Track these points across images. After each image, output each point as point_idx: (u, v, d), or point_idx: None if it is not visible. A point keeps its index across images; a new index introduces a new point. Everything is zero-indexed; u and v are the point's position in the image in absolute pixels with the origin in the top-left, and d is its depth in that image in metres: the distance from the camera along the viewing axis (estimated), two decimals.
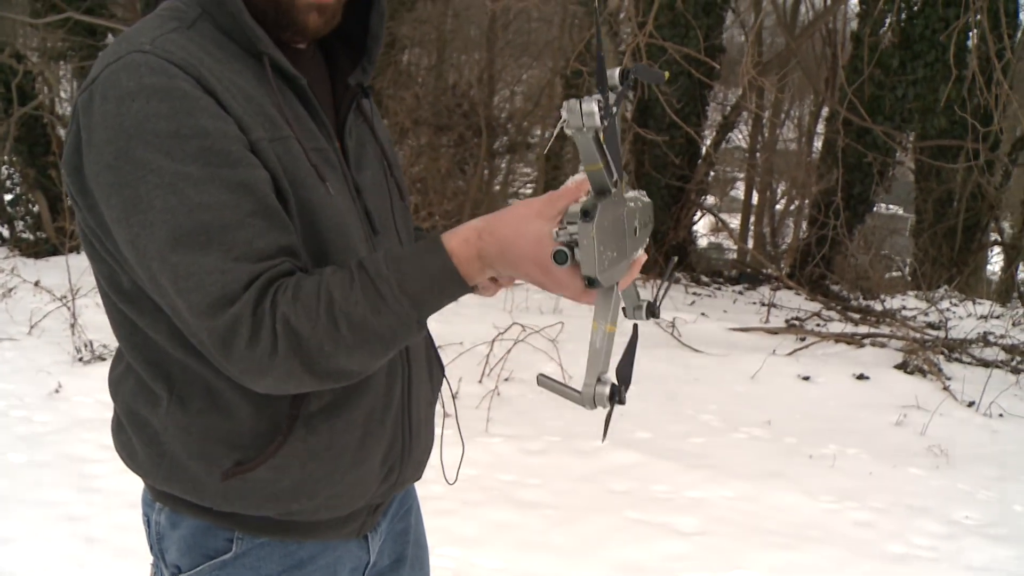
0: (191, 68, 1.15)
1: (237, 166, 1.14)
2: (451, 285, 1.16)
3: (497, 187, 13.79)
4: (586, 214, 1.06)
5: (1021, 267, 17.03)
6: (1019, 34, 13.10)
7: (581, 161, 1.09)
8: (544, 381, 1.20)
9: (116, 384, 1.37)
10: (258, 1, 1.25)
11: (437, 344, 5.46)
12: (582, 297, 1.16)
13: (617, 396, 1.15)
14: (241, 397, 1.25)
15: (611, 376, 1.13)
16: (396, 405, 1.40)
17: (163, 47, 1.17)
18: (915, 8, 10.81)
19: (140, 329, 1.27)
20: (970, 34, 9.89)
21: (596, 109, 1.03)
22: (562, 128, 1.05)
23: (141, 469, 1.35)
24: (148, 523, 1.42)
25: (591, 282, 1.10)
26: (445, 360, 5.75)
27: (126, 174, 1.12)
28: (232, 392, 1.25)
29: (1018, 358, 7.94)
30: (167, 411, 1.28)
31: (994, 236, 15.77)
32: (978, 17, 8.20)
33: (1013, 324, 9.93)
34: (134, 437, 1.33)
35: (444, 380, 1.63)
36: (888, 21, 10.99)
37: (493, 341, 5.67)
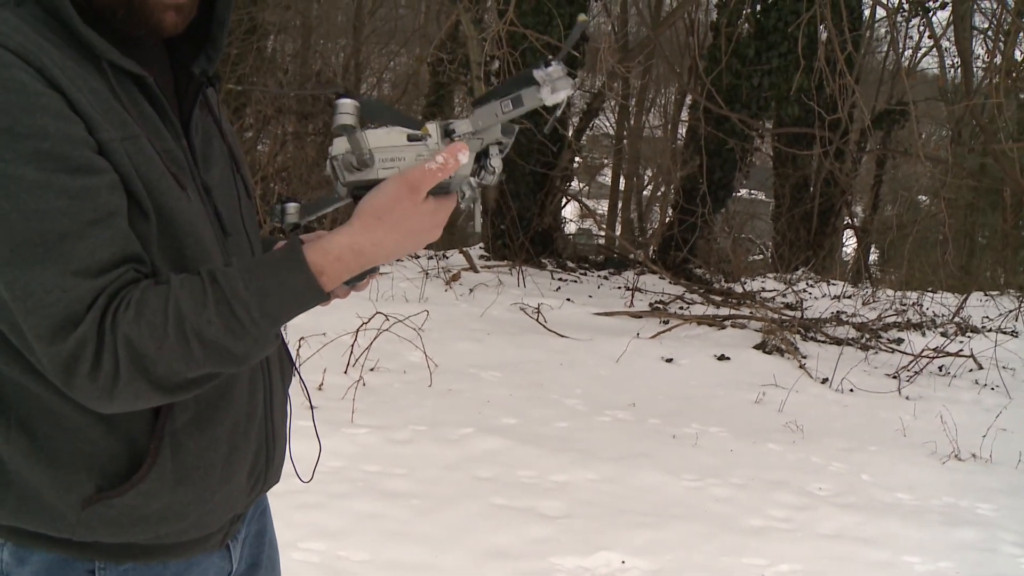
0: (32, 57, 1.04)
1: (77, 173, 1.04)
2: (313, 301, 1.14)
3: None
4: (513, 129, 1.19)
5: (873, 249, 17.93)
6: (865, 29, 13.73)
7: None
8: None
9: None
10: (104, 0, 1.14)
11: (299, 336, 5.28)
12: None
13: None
14: (90, 417, 1.15)
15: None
16: (259, 415, 1.35)
17: None
18: (769, 0, 11.18)
19: None
20: (821, 27, 10.30)
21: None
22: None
23: None
24: None
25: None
26: (309, 352, 5.58)
27: None
28: (79, 414, 1.15)
29: (867, 335, 8.32)
30: (8, 439, 1.16)
31: (847, 220, 16.52)
32: (824, 11, 8.53)
33: (863, 303, 10.42)
34: None
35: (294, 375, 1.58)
36: (744, 12, 11.33)
37: (357, 331, 5.58)
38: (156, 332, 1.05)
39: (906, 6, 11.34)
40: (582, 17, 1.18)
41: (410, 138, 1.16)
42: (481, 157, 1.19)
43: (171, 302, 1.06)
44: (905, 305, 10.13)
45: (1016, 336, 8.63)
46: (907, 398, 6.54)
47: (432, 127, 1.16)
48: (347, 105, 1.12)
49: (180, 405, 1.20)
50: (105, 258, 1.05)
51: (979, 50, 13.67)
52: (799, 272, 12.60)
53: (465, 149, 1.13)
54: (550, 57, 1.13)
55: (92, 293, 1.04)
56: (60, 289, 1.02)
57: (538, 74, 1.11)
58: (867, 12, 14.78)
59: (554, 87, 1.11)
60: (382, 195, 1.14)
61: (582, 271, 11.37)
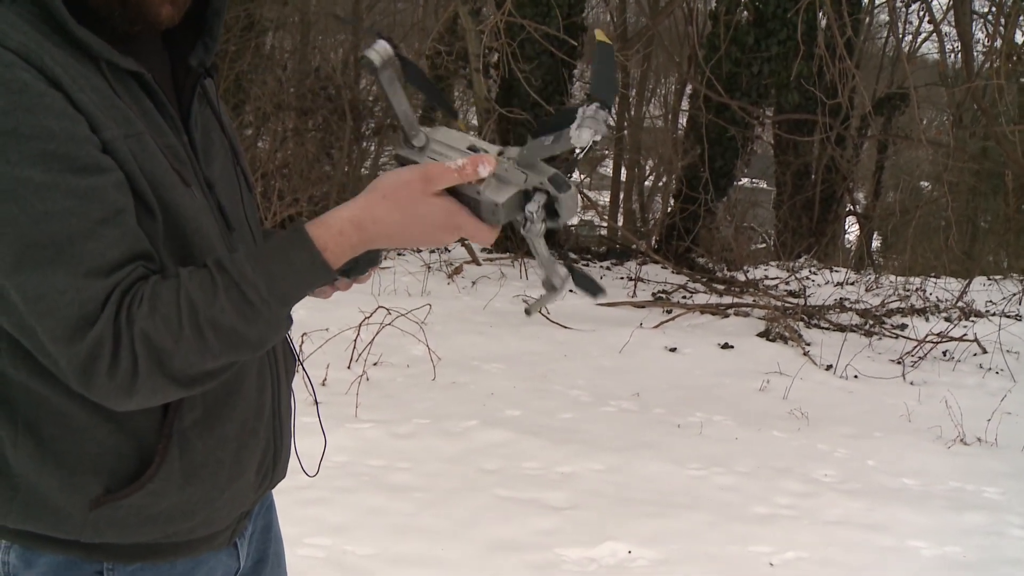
0: (33, 56, 1.03)
1: (83, 173, 1.03)
2: (320, 278, 1.13)
3: (366, 171, 13.59)
4: (564, 184, 1.13)
5: (875, 235, 17.89)
6: (864, 14, 13.68)
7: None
8: (531, 306, 1.34)
9: None
10: None
11: (302, 332, 5.27)
12: (491, 238, 1.20)
13: (573, 269, 1.28)
14: (97, 418, 1.15)
15: (557, 266, 1.25)
16: (268, 411, 1.34)
17: None
18: None
19: None
20: (820, 13, 10.27)
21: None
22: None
23: None
24: None
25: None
26: (312, 348, 5.58)
27: None
28: (87, 413, 1.14)
29: (871, 322, 8.31)
30: (16, 442, 1.15)
31: (849, 207, 16.48)
32: None
33: (866, 290, 10.40)
34: None
35: (297, 370, 1.58)
36: (743, 0, 11.28)
37: (360, 326, 5.58)
38: (171, 326, 1.05)
39: None
40: (599, 34, 1.13)
41: (471, 147, 1.16)
42: (524, 199, 1.15)
43: (183, 295, 1.06)
44: (908, 291, 10.11)
45: (1020, 319, 8.61)
46: (911, 383, 6.54)
47: (491, 148, 1.16)
48: (382, 45, 1.12)
49: (188, 403, 1.20)
50: (115, 257, 1.05)
51: (979, 34, 13.62)
52: (802, 259, 12.57)
53: (489, 162, 1.12)
54: (603, 99, 1.08)
55: (105, 292, 1.03)
56: (73, 290, 1.02)
57: (579, 111, 1.08)
58: None
59: (581, 124, 1.07)
60: (394, 175, 1.15)
61: (584, 262, 11.35)
